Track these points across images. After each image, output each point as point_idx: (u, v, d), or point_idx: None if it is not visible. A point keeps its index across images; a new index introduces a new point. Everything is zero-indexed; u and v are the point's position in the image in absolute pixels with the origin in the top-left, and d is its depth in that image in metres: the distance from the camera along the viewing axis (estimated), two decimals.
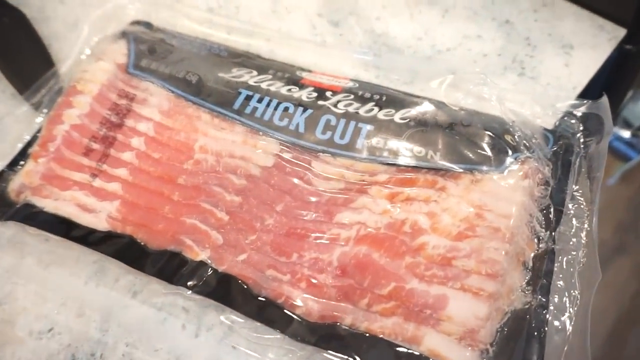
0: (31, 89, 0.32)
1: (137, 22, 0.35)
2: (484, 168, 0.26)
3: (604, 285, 0.23)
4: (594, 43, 0.34)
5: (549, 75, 0.33)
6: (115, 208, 0.27)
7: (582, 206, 0.26)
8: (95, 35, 0.34)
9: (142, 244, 0.26)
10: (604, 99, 0.28)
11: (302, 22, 0.37)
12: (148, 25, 0.35)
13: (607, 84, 0.40)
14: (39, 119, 0.31)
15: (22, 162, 0.29)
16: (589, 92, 0.37)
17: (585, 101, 0.29)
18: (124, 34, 0.33)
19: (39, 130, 0.30)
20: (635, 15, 0.34)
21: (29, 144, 0.30)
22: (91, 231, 0.27)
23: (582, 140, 0.28)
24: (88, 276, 0.27)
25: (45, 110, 0.31)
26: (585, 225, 0.25)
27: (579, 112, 0.29)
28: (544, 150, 0.27)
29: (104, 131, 0.29)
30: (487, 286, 0.23)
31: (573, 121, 0.29)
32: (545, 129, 0.29)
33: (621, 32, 0.35)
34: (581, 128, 0.29)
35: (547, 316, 0.23)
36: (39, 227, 0.27)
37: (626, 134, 0.54)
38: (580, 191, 0.27)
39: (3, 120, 0.32)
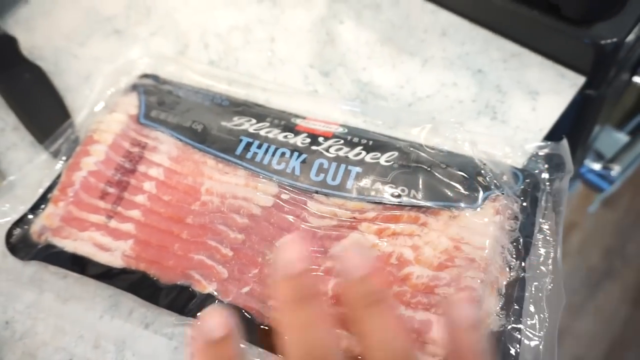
0: (50, 139, 0.35)
1: (145, 76, 0.39)
2: (461, 205, 0.29)
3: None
4: (557, 90, 0.38)
5: (518, 119, 0.37)
6: (129, 246, 0.30)
7: (548, 237, 0.29)
8: (108, 88, 0.38)
9: (155, 278, 0.29)
10: (564, 142, 0.32)
11: (296, 73, 0.40)
12: (156, 78, 0.38)
13: (574, 124, 0.44)
14: (58, 166, 0.34)
15: (42, 206, 0.32)
16: (557, 132, 0.41)
17: (548, 143, 0.33)
18: (134, 87, 0.37)
19: (58, 177, 0.33)
20: (593, 65, 0.39)
21: (49, 189, 0.33)
22: (108, 268, 0.30)
23: (547, 178, 0.32)
24: (103, 310, 0.30)
25: (63, 158, 0.34)
26: (552, 254, 0.28)
27: (543, 153, 0.33)
28: (513, 188, 0.30)
29: (119, 176, 0.32)
30: None
31: (539, 161, 0.33)
32: (515, 168, 0.32)
33: (581, 80, 0.39)
34: (546, 167, 0.32)
35: (520, 337, 0.26)
36: (60, 266, 0.30)
37: (597, 166, 0.58)
38: (547, 224, 0.30)
39: (24, 167, 0.35)
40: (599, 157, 0.61)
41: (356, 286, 0.21)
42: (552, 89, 0.38)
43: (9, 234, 0.31)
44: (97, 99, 0.37)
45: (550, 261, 0.28)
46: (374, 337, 0.20)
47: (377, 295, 0.21)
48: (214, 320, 0.20)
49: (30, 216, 0.32)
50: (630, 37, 0.38)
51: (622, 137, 0.60)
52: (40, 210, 0.32)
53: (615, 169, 0.56)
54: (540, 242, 0.29)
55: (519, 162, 0.33)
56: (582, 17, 0.38)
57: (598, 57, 0.38)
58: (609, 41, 0.37)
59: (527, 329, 0.26)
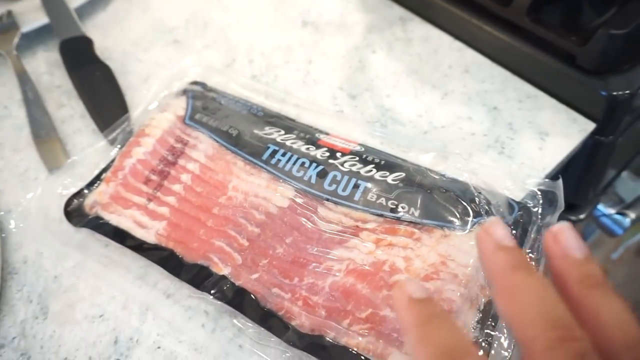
0: (109, 129, 0.41)
1: (195, 82, 0.44)
2: (453, 226, 0.32)
3: None
4: (567, 133, 0.41)
5: (524, 156, 0.40)
6: (162, 227, 0.35)
7: None
8: (162, 90, 0.43)
9: (180, 256, 0.34)
10: (559, 181, 0.35)
11: (326, 93, 0.45)
12: (204, 85, 0.44)
13: (586, 166, 0.47)
14: (113, 152, 0.40)
15: (96, 184, 0.38)
16: (569, 173, 0.43)
17: (545, 180, 0.36)
18: (184, 92, 0.42)
19: (112, 161, 0.39)
20: (604, 113, 0.41)
21: (103, 171, 0.38)
22: (142, 242, 0.35)
23: (539, 212, 0.34)
24: (134, 277, 0.35)
25: (118, 146, 0.40)
26: None
27: (541, 189, 0.36)
28: (505, 217, 0.33)
29: (162, 166, 0.37)
30: None
31: (535, 196, 0.35)
32: (512, 200, 0.35)
33: (591, 126, 0.41)
34: (541, 202, 0.35)
35: (491, 351, 0.29)
36: (104, 235, 0.35)
37: (612, 210, 0.59)
38: (532, 255, 0.33)
39: (85, 150, 0.41)
40: (620, 201, 0.62)
41: (579, 266, 0.21)
42: (562, 131, 0.41)
43: (68, 203, 0.37)
44: (152, 98, 0.43)
45: None
46: (605, 315, 0.20)
47: (601, 277, 0.21)
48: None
49: (85, 191, 0.37)
50: None
51: None
52: (94, 187, 0.37)
53: (631, 216, 0.57)
54: None
55: (518, 195, 0.36)
56: (596, 69, 0.40)
57: (610, 107, 0.41)
58: (621, 93, 0.40)
59: (499, 343, 0.29)
